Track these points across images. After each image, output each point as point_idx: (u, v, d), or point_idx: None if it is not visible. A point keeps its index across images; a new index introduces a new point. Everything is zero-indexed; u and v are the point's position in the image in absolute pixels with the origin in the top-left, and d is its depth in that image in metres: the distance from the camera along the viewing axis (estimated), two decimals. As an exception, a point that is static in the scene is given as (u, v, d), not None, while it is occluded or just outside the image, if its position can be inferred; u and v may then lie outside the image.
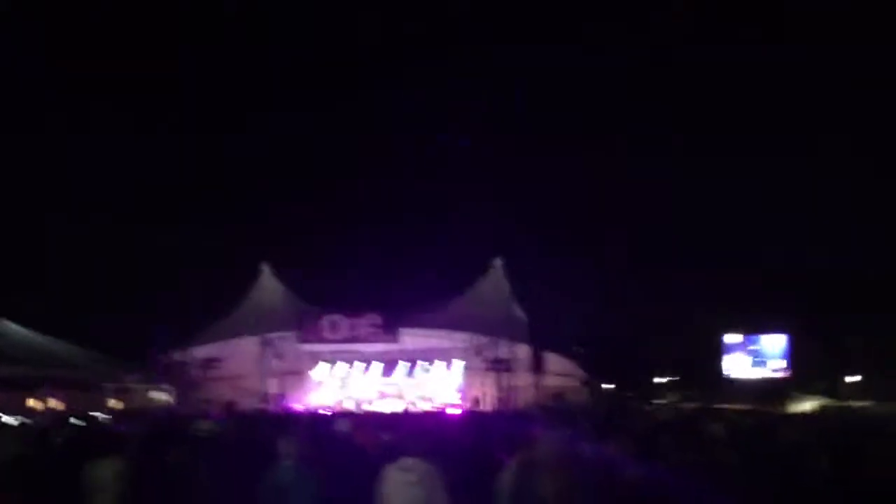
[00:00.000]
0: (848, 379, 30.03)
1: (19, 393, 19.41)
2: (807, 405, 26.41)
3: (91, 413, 16.47)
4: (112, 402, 22.34)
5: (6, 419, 14.24)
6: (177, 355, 27.51)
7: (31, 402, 19.87)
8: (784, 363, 32.29)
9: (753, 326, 33.47)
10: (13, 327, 20.57)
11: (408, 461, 5.64)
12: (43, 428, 10.83)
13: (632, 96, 45.65)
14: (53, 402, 19.37)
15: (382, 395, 29.46)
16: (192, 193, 43.67)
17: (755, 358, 33.09)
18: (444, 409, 24.19)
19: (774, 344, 32.95)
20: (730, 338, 33.69)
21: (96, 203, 35.50)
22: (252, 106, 49.23)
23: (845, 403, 25.66)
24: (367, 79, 57.89)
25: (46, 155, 37.49)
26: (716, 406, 20.67)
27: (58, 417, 18.03)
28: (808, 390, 29.02)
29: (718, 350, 33.77)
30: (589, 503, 4.95)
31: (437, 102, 50.53)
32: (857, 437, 7.72)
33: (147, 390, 26.31)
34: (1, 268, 32.30)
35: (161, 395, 27.12)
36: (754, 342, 33.38)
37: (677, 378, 35.79)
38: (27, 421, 14.66)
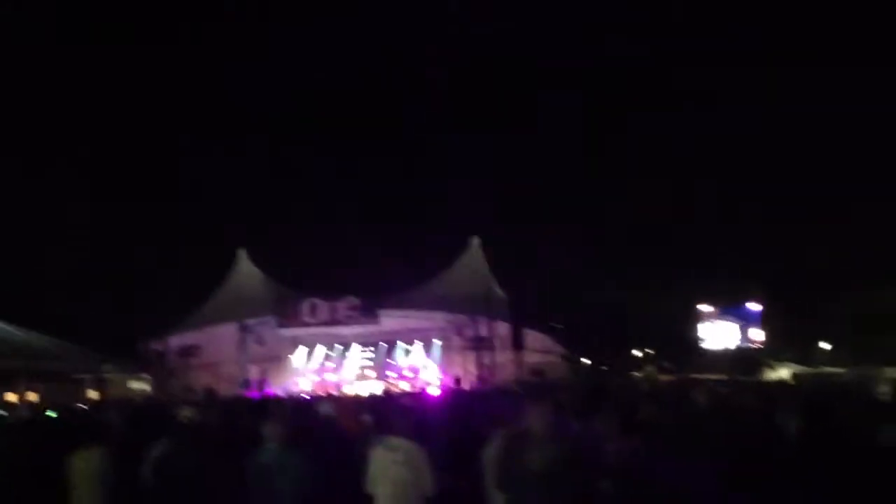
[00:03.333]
0: (820, 346, 30.65)
1: (-4, 387, 19.21)
2: (781, 372, 26.93)
3: (70, 405, 16.36)
4: (91, 393, 22.16)
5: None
6: (155, 344, 27.31)
7: (8, 396, 19.65)
8: (758, 332, 32.83)
9: (727, 297, 33.94)
10: (-14, 320, 20.28)
11: (393, 441, 5.68)
12: (21, 421, 10.74)
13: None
14: (31, 395, 19.17)
15: (363, 378, 29.54)
16: (166, 179, 43.21)
17: (729, 328, 33.61)
18: (425, 388, 24.29)
19: (748, 313, 33.47)
20: (704, 308, 34.14)
21: (70, 194, 34.94)
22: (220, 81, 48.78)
23: (818, 370, 26.18)
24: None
25: (21, 144, 36.87)
26: (693, 376, 20.99)
27: (36, 410, 17.89)
28: (781, 358, 29.56)
29: (693, 321, 34.24)
30: (575, 475, 5.01)
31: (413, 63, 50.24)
32: (828, 401, 7.92)
33: (126, 380, 26.13)
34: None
35: (140, 385, 26.95)
36: (728, 312, 33.88)
37: (654, 351, 36.28)
38: (4, 414, 14.51)
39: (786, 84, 36.90)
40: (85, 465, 6.52)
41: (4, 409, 17.06)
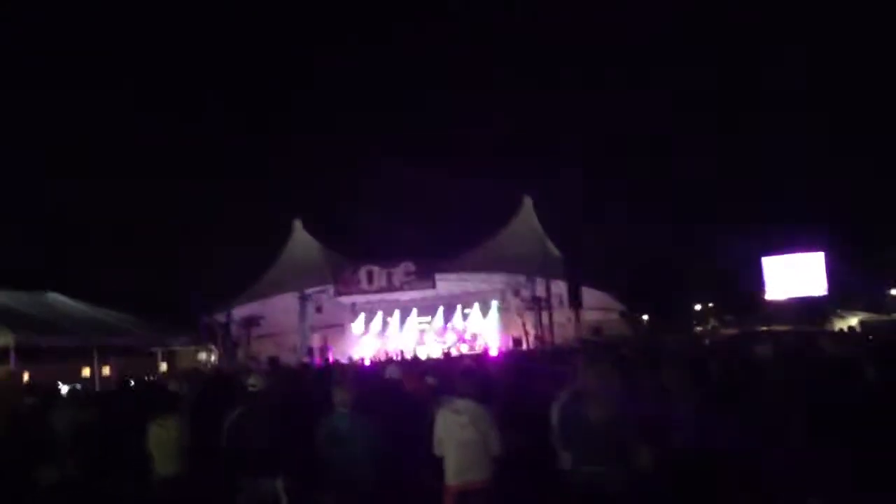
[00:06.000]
0: (893, 291, 29.62)
1: (73, 362, 20.01)
2: (850, 321, 26.14)
3: (143, 377, 16.95)
4: (162, 366, 22.95)
5: (64, 388, 14.69)
6: (219, 316, 28.02)
7: (85, 371, 20.48)
8: (823, 281, 31.87)
9: (791, 246, 33.00)
10: (61, 299, 21.06)
11: (458, 403, 5.72)
12: (100, 393, 11.20)
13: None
14: (107, 370, 19.93)
15: (422, 342, 29.84)
16: (223, 159, 43.98)
17: (793, 277, 32.68)
18: (485, 350, 24.41)
19: (813, 262, 32.48)
20: (768, 259, 33.25)
21: (135, 175, 35.97)
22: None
23: (889, 317, 25.35)
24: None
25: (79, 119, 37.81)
26: (758, 329, 20.56)
27: (114, 383, 18.64)
28: (849, 307, 28.69)
29: (757, 272, 33.42)
30: (636, 431, 4.98)
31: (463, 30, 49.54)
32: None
33: (194, 352, 26.93)
34: (45, 242, 33.10)
35: (207, 356, 27.77)
36: (793, 262, 32.93)
37: (715, 304, 35.61)
38: (84, 389, 15.12)
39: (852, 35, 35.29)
40: (161, 433, 6.79)
41: (81, 384, 17.79)
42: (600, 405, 5.04)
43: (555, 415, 5.75)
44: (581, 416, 5.12)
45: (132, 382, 12.30)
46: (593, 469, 4.94)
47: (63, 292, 21.58)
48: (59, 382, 16.71)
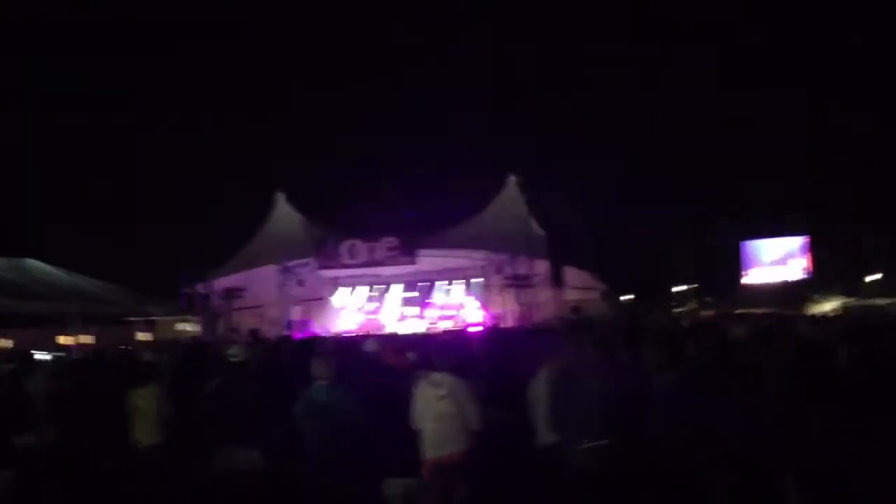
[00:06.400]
0: (869, 278, 29.96)
1: (50, 329, 19.84)
2: (828, 305, 26.42)
3: (123, 346, 16.86)
4: (141, 335, 22.81)
5: (39, 356, 14.57)
6: (200, 287, 27.86)
7: (61, 339, 20.30)
8: (803, 265, 32.20)
9: (771, 230, 33.25)
10: (38, 265, 20.78)
11: (436, 376, 5.75)
12: (80, 360, 11.13)
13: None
14: (84, 338, 19.76)
15: (403, 317, 29.87)
16: (205, 125, 43.52)
17: (773, 261, 33.00)
18: (465, 327, 24.48)
19: (793, 246, 32.79)
20: (748, 243, 33.53)
21: (115, 137, 35.52)
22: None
23: (868, 302, 25.63)
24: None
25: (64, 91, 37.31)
26: (737, 311, 20.75)
27: (90, 351, 18.51)
28: (829, 291, 28.99)
29: (737, 255, 33.69)
30: (619, 408, 5.03)
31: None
32: (878, 332, 7.76)
33: (173, 322, 26.79)
34: (22, 207, 32.69)
35: (187, 327, 27.63)
36: (774, 246, 33.22)
37: (696, 285, 35.87)
38: (62, 355, 15.02)
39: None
40: (141, 402, 6.78)
41: (60, 351, 17.65)
42: (585, 384, 5.09)
43: (541, 392, 5.78)
44: (568, 397, 5.17)
45: (110, 351, 12.25)
46: (591, 446, 4.97)
47: (42, 259, 21.31)
48: (35, 349, 16.59)
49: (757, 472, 5.07)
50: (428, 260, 29.11)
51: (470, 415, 5.61)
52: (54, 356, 13.87)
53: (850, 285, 29.19)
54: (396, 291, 30.96)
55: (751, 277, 33.30)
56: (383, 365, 7.36)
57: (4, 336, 17.91)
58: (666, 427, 5.25)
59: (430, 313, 29.72)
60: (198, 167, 38.14)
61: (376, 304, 30.96)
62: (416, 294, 30.77)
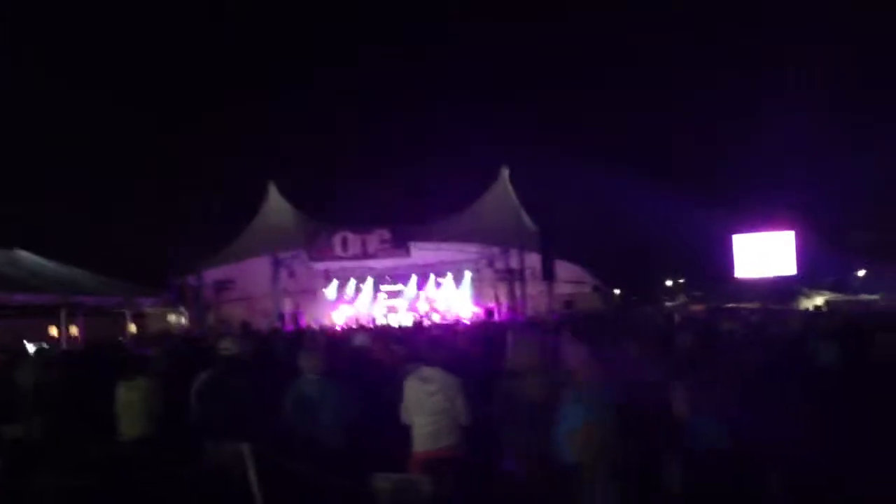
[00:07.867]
0: (857, 274, 30.16)
1: (40, 321, 19.75)
2: (816, 301, 26.63)
3: (112, 338, 16.81)
4: (131, 327, 22.74)
5: (29, 347, 14.51)
6: (191, 279, 27.75)
7: (52, 330, 20.22)
8: (792, 260, 32.32)
9: (760, 225, 33.34)
10: (28, 256, 20.65)
11: (426, 371, 5.74)
12: (68, 353, 11.10)
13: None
14: (74, 329, 19.68)
15: (394, 310, 29.88)
16: (196, 116, 43.29)
17: (762, 256, 33.09)
18: (457, 320, 24.51)
19: (783, 241, 32.89)
20: (737, 238, 33.62)
21: (107, 135, 35.32)
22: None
23: (854, 297, 25.84)
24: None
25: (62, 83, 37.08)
26: (726, 306, 20.88)
27: (81, 343, 18.45)
28: (816, 286, 29.19)
29: (726, 250, 33.79)
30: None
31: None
32: (864, 328, 7.81)
33: (164, 314, 26.70)
34: (13, 198, 32.48)
35: (178, 319, 27.54)
36: (763, 241, 33.31)
37: (686, 280, 36.04)
38: (48, 347, 14.93)
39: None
40: (130, 395, 6.76)
41: (48, 343, 17.59)
42: (533, 380, 5.15)
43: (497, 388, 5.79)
44: (514, 392, 5.21)
45: (100, 343, 12.21)
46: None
47: (31, 250, 21.18)
48: (25, 340, 16.52)
49: (745, 469, 5.11)
50: (420, 253, 29.08)
51: (460, 410, 5.61)
52: (38, 347, 13.74)
53: (839, 280, 29.40)
54: (387, 284, 30.97)
55: (741, 271, 33.40)
56: (373, 359, 7.37)
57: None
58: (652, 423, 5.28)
59: (422, 306, 29.75)
60: (189, 158, 38.01)
61: (367, 296, 30.95)
62: (407, 286, 30.78)
